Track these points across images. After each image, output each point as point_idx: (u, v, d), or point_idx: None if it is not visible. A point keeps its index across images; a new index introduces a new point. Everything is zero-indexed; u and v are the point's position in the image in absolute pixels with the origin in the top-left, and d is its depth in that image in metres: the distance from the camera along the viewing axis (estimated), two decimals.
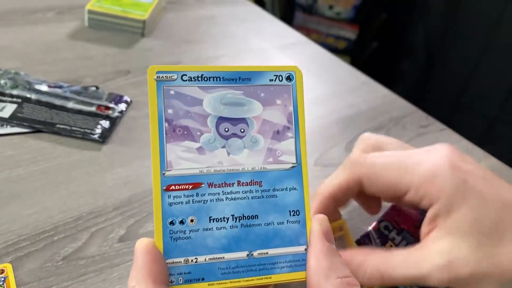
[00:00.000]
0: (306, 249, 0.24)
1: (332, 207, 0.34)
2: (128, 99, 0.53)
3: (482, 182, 0.29)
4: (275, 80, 0.24)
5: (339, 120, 0.58)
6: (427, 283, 0.28)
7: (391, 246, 0.38)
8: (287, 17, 1.75)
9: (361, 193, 0.35)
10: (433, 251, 0.28)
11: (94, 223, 0.39)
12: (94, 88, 0.54)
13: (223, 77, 0.24)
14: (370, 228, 0.38)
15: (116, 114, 0.50)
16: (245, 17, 0.82)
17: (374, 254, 0.30)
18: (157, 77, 0.23)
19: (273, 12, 1.80)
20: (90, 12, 0.67)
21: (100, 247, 0.37)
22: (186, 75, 0.23)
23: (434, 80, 1.55)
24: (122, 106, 0.52)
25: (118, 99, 0.53)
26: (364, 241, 0.37)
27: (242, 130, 0.23)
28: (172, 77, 0.23)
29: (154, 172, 0.22)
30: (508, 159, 0.56)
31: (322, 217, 0.24)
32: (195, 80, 0.23)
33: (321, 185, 0.34)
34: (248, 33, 0.76)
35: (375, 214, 0.38)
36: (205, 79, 0.23)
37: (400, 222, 0.39)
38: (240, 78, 0.24)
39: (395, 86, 1.69)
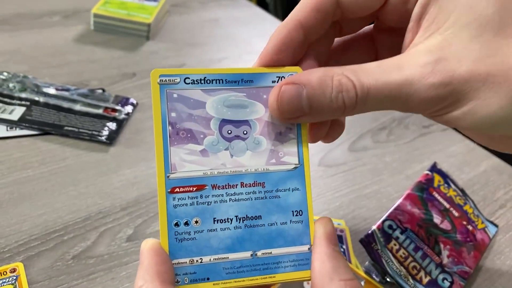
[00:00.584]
0: (309, 248, 0.24)
1: (297, 36, 0.25)
2: (134, 101, 0.54)
3: None
4: (277, 82, 0.25)
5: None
6: (410, 97, 0.21)
7: (395, 245, 0.38)
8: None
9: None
10: (419, 51, 0.22)
11: (102, 223, 0.40)
12: (100, 91, 0.55)
13: (225, 80, 0.24)
14: (374, 227, 0.39)
15: (122, 116, 0.51)
16: (248, 19, 0.83)
17: (337, 67, 0.23)
18: (160, 80, 0.23)
19: (275, 13, 1.81)
20: (95, 15, 0.68)
21: (109, 246, 0.38)
22: (188, 78, 0.24)
23: None
24: (129, 108, 0.53)
25: (125, 102, 0.53)
26: (368, 240, 0.38)
27: (245, 132, 0.24)
28: (175, 80, 0.23)
29: (158, 174, 0.23)
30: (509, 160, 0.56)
31: (326, 219, 0.25)
32: (198, 83, 0.24)
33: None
34: (251, 36, 0.77)
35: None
36: (208, 81, 0.24)
37: (404, 221, 0.40)
38: (242, 80, 0.24)
39: None
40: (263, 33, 0.78)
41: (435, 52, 0.21)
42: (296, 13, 0.24)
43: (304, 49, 0.25)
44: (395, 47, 0.26)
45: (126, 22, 0.68)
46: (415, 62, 0.21)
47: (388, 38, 0.27)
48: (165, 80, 0.23)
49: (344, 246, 0.41)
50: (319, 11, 0.24)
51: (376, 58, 0.28)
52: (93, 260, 0.37)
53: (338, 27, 0.27)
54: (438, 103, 0.21)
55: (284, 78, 0.25)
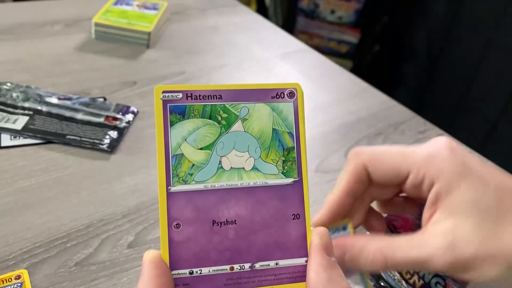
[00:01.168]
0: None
1: (350, 202, 0.32)
2: (135, 110, 0.55)
3: (480, 164, 0.29)
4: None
5: (340, 127, 0.60)
6: (430, 266, 0.28)
7: None
8: (289, 22, 1.77)
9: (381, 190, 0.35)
10: (436, 233, 0.28)
11: (104, 230, 0.41)
12: (102, 100, 0.56)
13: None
14: (368, 233, 0.40)
15: (123, 124, 0.52)
16: (248, 26, 0.84)
17: (376, 238, 0.30)
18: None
19: (275, 17, 1.82)
20: (96, 24, 0.69)
21: (110, 253, 0.39)
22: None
23: (435, 82, 1.56)
24: (129, 117, 0.54)
25: (125, 110, 0.55)
26: None
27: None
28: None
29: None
30: (510, 160, 0.57)
31: (322, 229, 0.25)
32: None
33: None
34: (251, 42, 0.78)
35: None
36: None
37: (398, 226, 0.41)
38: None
39: (397, 89, 1.71)
40: (263, 40, 0.80)
41: (448, 235, 0.27)
42: (343, 184, 0.32)
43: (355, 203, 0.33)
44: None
45: (126, 30, 0.69)
46: (433, 244, 0.27)
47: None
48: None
49: None
50: (357, 181, 0.32)
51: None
52: (95, 267, 0.38)
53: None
54: (449, 272, 0.29)
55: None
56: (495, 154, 0.61)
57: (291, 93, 0.26)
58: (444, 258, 0.27)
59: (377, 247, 0.29)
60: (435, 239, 0.28)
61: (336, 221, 0.33)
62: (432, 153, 0.30)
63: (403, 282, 0.38)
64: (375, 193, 0.35)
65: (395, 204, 0.36)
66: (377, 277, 0.39)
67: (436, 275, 0.38)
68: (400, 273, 0.38)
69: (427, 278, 0.38)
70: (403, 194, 0.35)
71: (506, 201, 0.28)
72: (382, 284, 0.39)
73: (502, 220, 0.27)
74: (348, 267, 0.29)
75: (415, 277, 0.38)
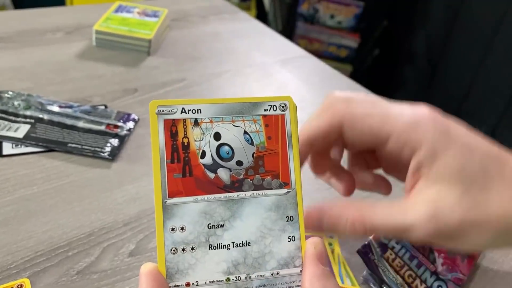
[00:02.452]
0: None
1: (309, 151, 0.32)
2: (136, 117, 0.56)
3: (465, 132, 0.28)
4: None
5: None
6: (412, 235, 0.27)
7: (391, 254, 0.40)
8: (289, 27, 1.77)
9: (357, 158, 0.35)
10: (419, 201, 0.27)
11: (105, 239, 0.41)
12: (103, 107, 0.57)
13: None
14: (370, 238, 0.40)
15: (124, 132, 0.53)
16: (248, 33, 0.84)
17: (356, 202, 0.29)
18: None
19: (275, 22, 1.83)
20: (97, 32, 0.70)
21: (112, 261, 0.39)
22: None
23: (435, 86, 1.56)
24: (130, 124, 0.54)
25: (126, 118, 0.55)
26: (365, 250, 0.39)
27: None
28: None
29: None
30: None
31: (317, 239, 0.25)
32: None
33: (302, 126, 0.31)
34: (251, 49, 0.78)
35: (387, 193, 0.36)
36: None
37: None
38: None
39: (396, 92, 1.71)
40: (263, 46, 0.80)
41: (432, 203, 0.26)
42: (307, 133, 0.31)
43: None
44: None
45: (127, 38, 0.70)
46: (416, 210, 0.27)
47: (388, 163, 0.34)
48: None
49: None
50: (325, 138, 0.31)
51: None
52: (96, 275, 0.38)
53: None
54: (432, 242, 0.27)
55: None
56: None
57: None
58: (427, 226, 0.26)
59: (356, 212, 0.28)
60: (418, 207, 0.27)
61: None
62: (415, 119, 0.28)
63: (406, 286, 0.38)
64: (347, 147, 0.33)
65: (367, 182, 0.35)
66: (380, 282, 0.39)
67: (438, 279, 0.39)
68: (403, 277, 0.39)
69: (429, 282, 0.39)
70: (376, 172, 0.35)
71: (492, 169, 0.27)
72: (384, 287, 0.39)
73: (489, 188, 0.26)
74: (326, 232, 0.29)
75: (417, 281, 0.39)
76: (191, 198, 0.24)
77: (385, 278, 0.39)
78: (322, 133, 0.30)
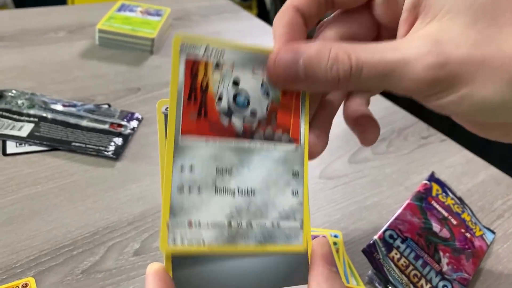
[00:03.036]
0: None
1: (296, 20, 0.27)
2: (140, 116, 0.55)
3: None
4: None
5: (343, 133, 0.60)
6: (407, 75, 0.22)
7: (396, 254, 0.40)
8: None
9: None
10: (416, 37, 0.22)
11: (110, 238, 0.41)
12: (106, 106, 0.56)
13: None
14: (375, 237, 0.40)
15: (128, 131, 0.53)
16: (249, 31, 0.84)
17: (339, 41, 0.24)
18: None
19: None
20: (100, 31, 0.70)
21: (116, 260, 0.39)
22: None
23: None
24: (134, 123, 0.54)
25: (130, 117, 0.55)
26: (370, 250, 0.39)
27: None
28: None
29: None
30: (511, 166, 0.57)
31: (323, 240, 0.25)
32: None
33: None
34: None
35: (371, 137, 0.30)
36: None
37: (404, 230, 0.41)
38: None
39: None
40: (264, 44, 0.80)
41: (432, 36, 0.22)
42: (292, 1, 0.26)
43: (305, 31, 0.27)
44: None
45: (130, 37, 0.70)
46: (412, 44, 0.22)
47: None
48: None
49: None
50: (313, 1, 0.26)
51: None
52: (101, 275, 0.38)
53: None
54: (433, 86, 0.22)
55: None
56: (496, 158, 0.61)
57: None
58: (426, 59, 0.21)
59: (340, 47, 0.23)
60: (415, 42, 0.22)
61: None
62: None
63: (411, 286, 0.38)
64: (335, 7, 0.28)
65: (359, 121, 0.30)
66: (385, 281, 0.39)
67: (443, 279, 0.39)
68: (408, 277, 0.39)
69: (434, 282, 0.39)
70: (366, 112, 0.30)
71: (504, 1, 0.22)
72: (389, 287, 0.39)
73: (501, 23, 0.21)
74: (304, 77, 0.23)
75: (423, 281, 0.39)
76: (203, 140, 0.24)
77: (390, 278, 0.39)
78: None
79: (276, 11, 1.81)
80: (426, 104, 0.23)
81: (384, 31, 0.28)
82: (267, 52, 0.25)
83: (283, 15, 0.26)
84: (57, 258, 0.39)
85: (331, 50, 0.23)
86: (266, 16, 1.91)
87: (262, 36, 0.83)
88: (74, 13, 0.81)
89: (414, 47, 0.22)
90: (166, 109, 0.24)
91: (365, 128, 0.29)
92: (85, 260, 0.39)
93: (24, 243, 0.39)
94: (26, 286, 0.36)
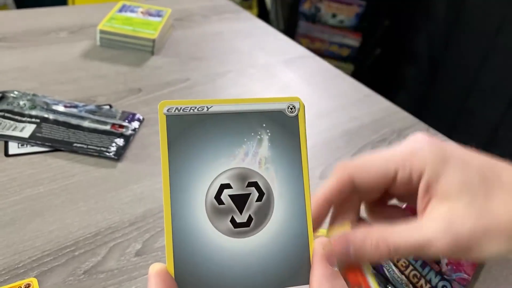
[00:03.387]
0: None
1: (328, 210, 0.33)
2: (141, 117, 0.56)
3: (459, 149, 0.31)
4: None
5: (343, 133, 0.60)
6: (431, 250, 0.28)
7: None
8: (291, 26, 1.77)
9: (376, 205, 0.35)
10: (433, 218, 0.29)
11: (112, 238, 0.41)
12: (107, 107, 0.57)
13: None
14: None
15: (129, 132, 0.53)
16: (250, 32, 0.84)
17: (375, 227, 0.30)
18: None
19: (277, 21, 1.83)
20: (102, 32, 0.70)
21: (118, 261, 0.40)
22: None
23: (437, 85, 1.56)
24: (135, 124, 0.54)
25: (131, 117, 0.55)
26: None
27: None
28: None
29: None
30: None
31: (325, 240, 0.26)
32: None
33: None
34: (254, 49, 0.78)
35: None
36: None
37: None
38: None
39: (398, 92, 1.71)
40: (266, 46, 0.80)
41: (445, 218, 0.28)
42: (324, 192, 0.32)
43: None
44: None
45: (131, 38, 0.70)
46: (432, 225, 0.29)
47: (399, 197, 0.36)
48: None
49: None
50: (341, 192, 0.32)
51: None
52: (103, 275, 0.38)
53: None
54: (452, 255, 0.29)
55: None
56: (497, 157, 0.61)
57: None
58: (444, 239, 0.28)
59: (379, 234, 0.29)
60: (433, 223, 0.29)
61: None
62: (413, 148, 0.31)
63: (411, 286, 0.39)
64: (362, 198, 0.35)
65: (383, 212, 0.37)
66: (384, 281, 0.39)
67: (443, 279, 0.39)
68: (408, 277, 0.39)
69: (434, 282, 0.39)
70: (391, 203, 0.36)
71: (490, 178, 0.29)
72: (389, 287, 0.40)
73: (491, 195, 0.29)
74: (354, 260, 0.29)
75: (422, 281, 0.39)
76: None
77: (390, 278, 0.39)
78: (336, 189, 0.32)
79: (276, 11, 1.81)
80: None
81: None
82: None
83: (314, 207, 0.32)
84: (59, 259, 0.39)
85: (372, 241, 0.29)
86: (266, 17, 1.92)
87: (263, 37, 0.83)
88: (75, 13, 0.81)
89: (434, 228, 0.28)
90: (168, 110, 0.25)
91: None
92: (87, 260, 0.39)
93: (26, 244, 0.40)
94: (29, 286, 0.36)
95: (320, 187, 0.33)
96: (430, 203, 0.30)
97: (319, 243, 0.25)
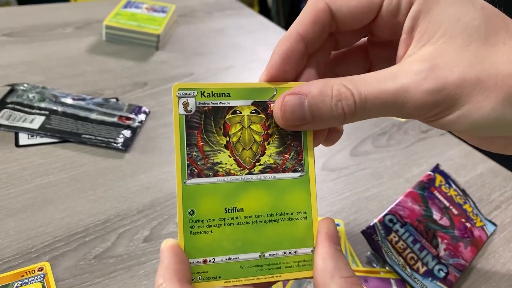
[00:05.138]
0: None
1: (299, 48, 0.26)
2: (147, 110, 0.57)
3: None
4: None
5: (345, 126, 0.61)
6: (407, 102, 0.22)
7: (394, 237, 0.41)
8: (292, 22, 1.78)
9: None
10: (412, 60, 0.23)
11: (120, 225, 0.43)
12: (114, 100, 0.58)
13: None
14: (375, 220, 0.42)
15: (136, 124, 0.54)
16: (252, 28, 0.86)
17: (337, 77, 0.24)
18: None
19: (278, 18, 1.84)
20: (107, 27, 0.71)
21: (127, 247, 0.41)
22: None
23: None
24: (142, 117, 0.56)
25: (138, 110, 0.56)
26: (369, 231, 0.41)
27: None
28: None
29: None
30: (509, 160, 0.59)
31: (329, 220, 0.26)
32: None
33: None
34: (255, 44, 0.80)
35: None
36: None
37: (404, 216, 0.43)
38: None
39: None
40: (267, 41, 0.81)
41: (428, 61, 0.22)
42: (296, 26, 0.26)
43: (305, 60, 0.27)
44: (388, 60, 0.28)
45: (136, 33, 0.71)
46: (409, 70, 0.22)
47: (381, 51, 0.29)
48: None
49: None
50: (316, 23, 0.26)
51: (370, 70, 0.30)
52: (113, 260, 0.40)
53: (334, 40, 0.29)
54: (433, 108, 0.22)
55: None
56: (496, 153, 0.62)
57: None
58: (424, 85, 0.22)
59: (341, 83, 0.23)
60: (412, 66, 0.23)
61: (286, 73, 0.27)
62: None
63: (407, 267, 0.40)
64: (335, 42, 0.28)
65: (349, 60, 0.30)
66: (382, 262, 0.41)
67: (439, 263, 0.40)
68: (405, 259, 0.40)
69: (430, 265, 0.40)
70: (361, 43, 0.30)
71: (497, 22, 0.23)
72: (387, 268, 0.41)
73: (494, 43, 0.22)
74: (310, 119, 0.24)
75: (419, 263, 0.40)
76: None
77: (387, 259, 0.40)
78: (312, 21, 0.26)
79: (277, 8, 1.82)
80: (427, 124, 0.25)
81: (375, 69, 0.28)
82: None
83: (284, 42, 0.26)
84: (70, 244, 0.40)
85: (333, 87, 0.23)
86: (267, 14, 1.93)
87: (264, 33, 0.85)
88: (82, 9, 0.82)
89: (411, 73, 0.22)
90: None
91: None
92: (97, 246, 0.41)
93: (38, 230, 0.41)
94: (42, 269, 0.37)
95: (294, 22, 0.27)
96: (413, 43, 0.24)
97: (323, 222, 0.26)
